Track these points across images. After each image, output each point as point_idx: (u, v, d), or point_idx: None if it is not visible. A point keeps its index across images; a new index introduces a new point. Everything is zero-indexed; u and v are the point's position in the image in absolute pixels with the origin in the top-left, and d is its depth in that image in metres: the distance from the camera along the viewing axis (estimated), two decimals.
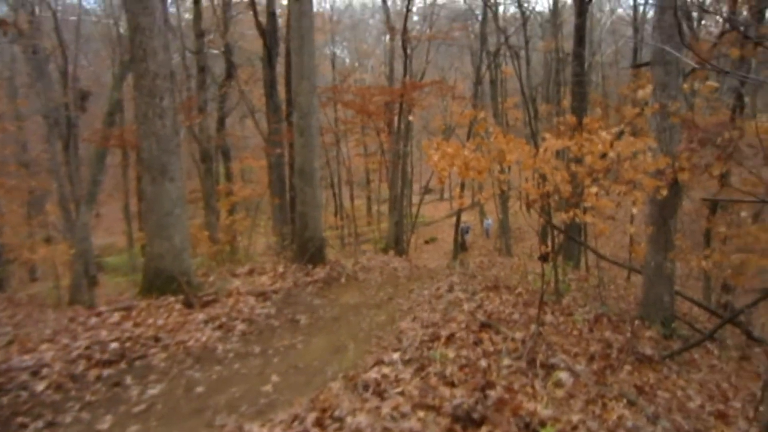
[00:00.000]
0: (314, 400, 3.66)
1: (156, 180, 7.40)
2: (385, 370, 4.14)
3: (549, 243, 7.11)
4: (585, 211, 5.53)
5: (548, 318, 6.39)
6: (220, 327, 6.30)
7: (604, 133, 5.32)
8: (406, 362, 4.38)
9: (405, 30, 19.83)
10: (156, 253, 7.51)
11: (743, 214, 9.17)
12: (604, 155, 5.40)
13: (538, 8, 49.62)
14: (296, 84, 10.15)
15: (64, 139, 15.84)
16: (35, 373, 4.59)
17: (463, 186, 25.20)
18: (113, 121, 18.08)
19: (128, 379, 4.80)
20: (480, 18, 23.46)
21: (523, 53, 22.01)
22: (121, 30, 20.11)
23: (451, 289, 7.84)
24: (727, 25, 8.80)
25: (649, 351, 5.78)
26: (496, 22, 22.08)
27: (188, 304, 6.89)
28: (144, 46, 7.24)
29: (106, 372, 4.88)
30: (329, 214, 26.47)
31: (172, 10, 19.39)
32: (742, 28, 7.16)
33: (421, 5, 30.03)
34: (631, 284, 11.70)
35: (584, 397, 3.96)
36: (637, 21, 20.68)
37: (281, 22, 16.59)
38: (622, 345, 5.78)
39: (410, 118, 20.26)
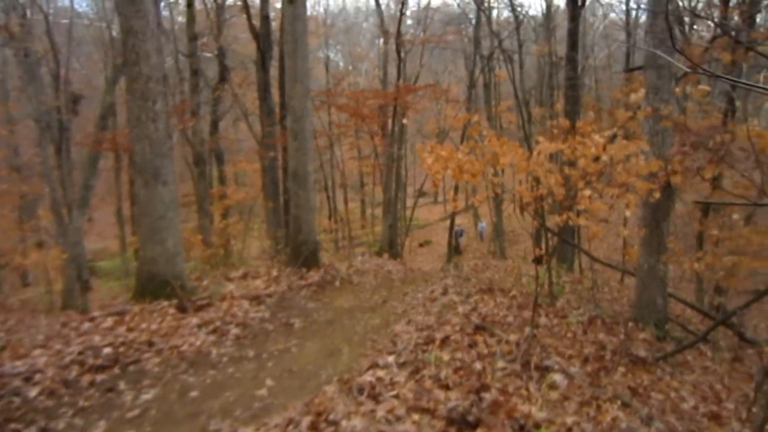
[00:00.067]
0: (309, 404, 3.65)
1: (149, 184, 7.37)
2: (380, 373, 4.14)
3: (543, 246, 7.12)
4: (578, 213, 5.55)
5: (542, 320, 6.40)
6: (214, 331, 6.27)
7: (597, 137, 5.35)
8: (401, 365, 4.37)
9: (399, 33, 19.90)
10: (149, 257, 7.48)
11: (735, 216, 9.23)
12: (597, 158, 5.43)
13: (532, 12, 49.75)
14: (290, 87, 10.14)
15: (56, 142, 15.80)
16: (28, 379, 4.55)
17: (457, 189, 25.44)
18: (106, 124, 18.00)
19: (122, 385, 4.77)
20: (474, 22, 23.58)
21: (516, 57, 22.12)
22: (114, 33, 20.06)
23: (445, 292, 7.84)
24: (719, 30, 8.87)
25: (642, 353, 5.80)
26: (490, 26, 22.17)
27: (182, 309, 6.86)
28: (137, 49, 7.21)
29: (99, 377, 4.84)
30: (323, 217, 26.46)
31: (165, 13, 19.40)
32: (733, 33, 7.22)
33: (414, 9, 30.03)
34: (625, 286, 11.73)
35: (578, 399, 3.97)
36: (629, 25, 20.86)
37: (275, 25, 16.57)
38: (615, 347, 5.80)
39: (404, 121, 20.31)
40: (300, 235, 10.14)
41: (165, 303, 7.01)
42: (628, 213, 6.06)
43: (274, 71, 16.47)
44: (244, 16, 15.89)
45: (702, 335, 6.68)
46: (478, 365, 4.37)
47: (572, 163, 5.59)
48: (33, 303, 15.54)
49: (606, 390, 4.33)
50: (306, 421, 3.34)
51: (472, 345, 5.04)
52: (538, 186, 5.46)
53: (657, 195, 6.05)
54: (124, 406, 4.38)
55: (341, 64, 39.44)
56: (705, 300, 10.90)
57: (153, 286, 7.35)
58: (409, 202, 26.78)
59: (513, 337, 5.25)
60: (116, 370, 5.04)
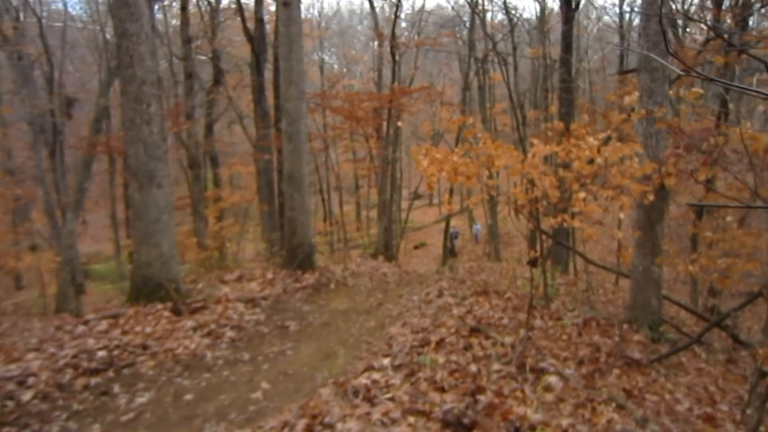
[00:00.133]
0: (304, 407, 3.64)
1: (143, 187, 7.35)
2: (375, 375, 4.14)
3: (537, 248, 7.13)
4: (573, 216, 5.56)
5: (537, 322, 6.41)
6: (208, 334, 6.26)
7: (591, 139, 5.37)
8: (396, 368, 4.37)
9: (393, 36, 19.92)
10: (144, 260, 7.45)
11: (729, 218, 9.25)
12: (591, 161, 5.44)
13: (526, 15, 50.00)
14: (285, 90, 10.14)
15: (49, 146, 15.75)
16: (21, 383, 4.52)
17: (452, 191, 25.44)
18: (100, 127, 17.98)
19: (116, 388, 4.75)
20: (468, 25, 23.64)
21: (510, 59, 22.21)
22: (108, 36, 20.01)
23: (440, 294, 7.84)
24: (712, 33, 8.92)
25: (637, 355, 5.81)
26: (484, 28, 22.24)
27: (176, 312, 6.84)
28: (131, 52, 7.19)
29: (93, 381, 4.82)
30: (318, 219, 26.39)
31: (159, 15, 19.36)
32: (726, 36, 7.27)
33: (409, 12, 30.17)
34: (619, 288, 11.77)
35: (574, 401, 3.98)
36: (623, 28, 20.95)
37: (269, 28, 16.59)
38: (610, 349, 5.81)
39: (399, 123, 20.32)
40: (295, 237, 10.13)
41: (159, 306, 6.98)
42: (622, 215, 6.07)
43: (268, 74, 16.46)
44: (239, 18, 15.90)
45: (696, 337, 6.69)
46: (473, 367, 4.37)
47: (567, 166, 5.60)
48: (27, 306, 15.47)
49: (601, 392, 4.34)
50: (301, 424, 3.34)
51: (468, 347, 5.04)
52: (532, 188, 5.47)
53: (651, 197, 6.08)
54: (118, 410, 4.37)
55: (336, 66, 39.53)
56: (699, 302, 10.94)
57: (147, 289, 7.32)
58: (404, 205, 26.78)
59: (508, 340, 5.26)
60: (110, 374, 5.03)
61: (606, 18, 27.28)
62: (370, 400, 3.65)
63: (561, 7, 14.52)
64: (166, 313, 6.77)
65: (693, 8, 14.24)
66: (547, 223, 6.21)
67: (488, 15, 25.43)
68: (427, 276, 11.24)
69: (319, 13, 37.35)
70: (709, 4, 10.78)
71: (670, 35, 10.24)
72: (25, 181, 19.70)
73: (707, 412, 4.82)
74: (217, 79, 18.05)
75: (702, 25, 10.75)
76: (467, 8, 22.91)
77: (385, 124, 20.32)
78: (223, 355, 5.78)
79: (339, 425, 3.24)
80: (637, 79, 7.45)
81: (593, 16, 27.64)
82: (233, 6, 17.80)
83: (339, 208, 27.97)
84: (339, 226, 26.12)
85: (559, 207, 5.58)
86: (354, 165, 29.94)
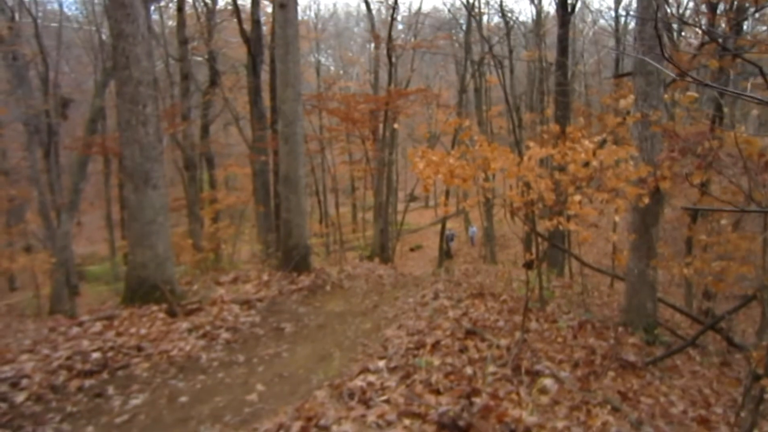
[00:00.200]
0: (299, 409, 3.64)
1: (139, 188, 7.33)
2: (371, 378, 4.14)
3: (533, 250, 7.14)
4: (568, 218, 5.57)
5: (533, 325, 6.42)
6: (203, 336, 6.24)
7: (587, 142, 5.39)
8: (392, 370, 4.37)
9: (390, 38, 19.95)
10: (139, 261, 7.43)
11: (723, 222, 9.29)
12: (587, 164, 5.46)
13: (522, 18, 50.14)
14: (281, 91, 10.13)
15: (44, 146, 15.69)
16: (15, 384, 4.50)
17: (448, 194, 25.48)
18: (95, 128, 17.92)
19: (110, 390, 4.74)
20: (464, 27, 23.69)
21: (507, 62, 22.23)
22: (104, 37, 19.95)
23: (436, 297, 7.85)
24: (707, 37, 8.97)
25: (632, 357, 5.83)
26: (480, 31, 22.27)
27: (171, 313, 6.82)
28: (127, 53, 7.18)
29: (87, 382, 4.80)
30: (314, 221, 26.41)
31: (155, 16, 19.33)
32: (720, 40, 7.30)
33: (405, 14, 30.15)
34: (615, 291, 11.79)
35: (569, 404, 3.98)
36: (618, 32, 21.00)
37: (266, 29, 16.56)
38: (605, 351, 5.82)
39: (395, 125, 20.35)
40: (291, 239, 10.12)
41: (154, 307, 6.97)
42: (617, 218, 6.10)
43: (265, 75, 16.45)
44: (235, 20, 15.87)
45: (691, 340, 6.71)
46: (468, 370, 4.37)
47: (562, 168, 5.62)
48: (20, 308, 15.39)
49: (596, 394, 4.35)
50: (296, 426, 3.33)
51: (463, 350, 5.04)
52: (528, 191, 5.48)
53: (646, 200, 6.10)
54: (112, 412, 4.35)
55: (332, 68, 39.51)
56: (694, 305, 10.98)
57: (142, 290, 7.30)
58: (400, 207, 26.78)
59: (504, 342, 5.26)
60: (105, 375, 5.01)
61: (602, 21, 27.39)
62: (366, 403, 3.65)
63: (557, 11, 14.59)
64: (161, 315, 6.75)
65: (688, 12, 14.33)
66: (543, 225, 6.22)
67: (484, 18, 25.48)
68: (422, 278, 11.24)
69: (316, 15, 37.44)
70: (704, 8, 10.83)
71: (665, 39, 10.28)
72: (20, 182, 19.64)
73: (702, 415, 4.83)
74: (214, 80, 18.02)
75: (697, 30, 10.80)
76: (464, 11, 22.96)
77: (381, 126, 20.33)
78: (218, 356, 5.77)
79: (334, 427, 3.24)
80: (632, 83, 7.47)
81: (589, 19, 27.69)
82: (230, 7, 17.76)
83: (335, 209, 27.96)
84: (335, 228, 26.13)
85: (555, 210, 5.59)
86: (350, 167, 29.91)
